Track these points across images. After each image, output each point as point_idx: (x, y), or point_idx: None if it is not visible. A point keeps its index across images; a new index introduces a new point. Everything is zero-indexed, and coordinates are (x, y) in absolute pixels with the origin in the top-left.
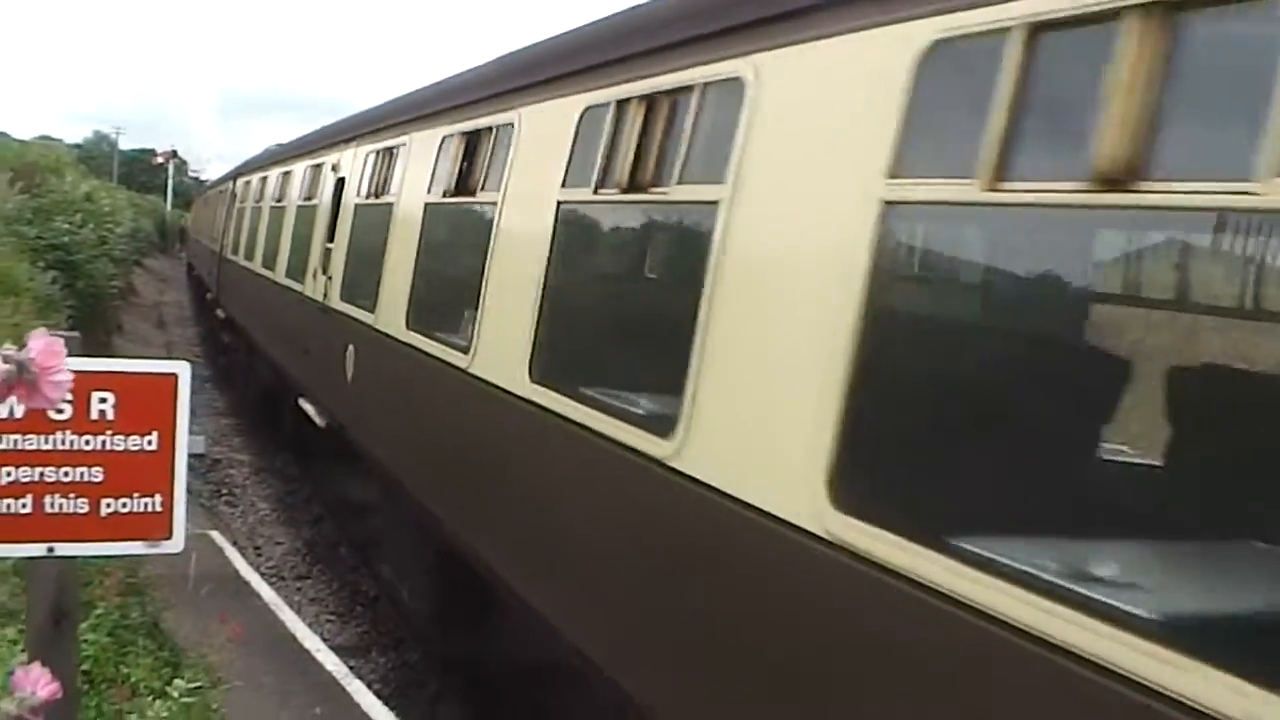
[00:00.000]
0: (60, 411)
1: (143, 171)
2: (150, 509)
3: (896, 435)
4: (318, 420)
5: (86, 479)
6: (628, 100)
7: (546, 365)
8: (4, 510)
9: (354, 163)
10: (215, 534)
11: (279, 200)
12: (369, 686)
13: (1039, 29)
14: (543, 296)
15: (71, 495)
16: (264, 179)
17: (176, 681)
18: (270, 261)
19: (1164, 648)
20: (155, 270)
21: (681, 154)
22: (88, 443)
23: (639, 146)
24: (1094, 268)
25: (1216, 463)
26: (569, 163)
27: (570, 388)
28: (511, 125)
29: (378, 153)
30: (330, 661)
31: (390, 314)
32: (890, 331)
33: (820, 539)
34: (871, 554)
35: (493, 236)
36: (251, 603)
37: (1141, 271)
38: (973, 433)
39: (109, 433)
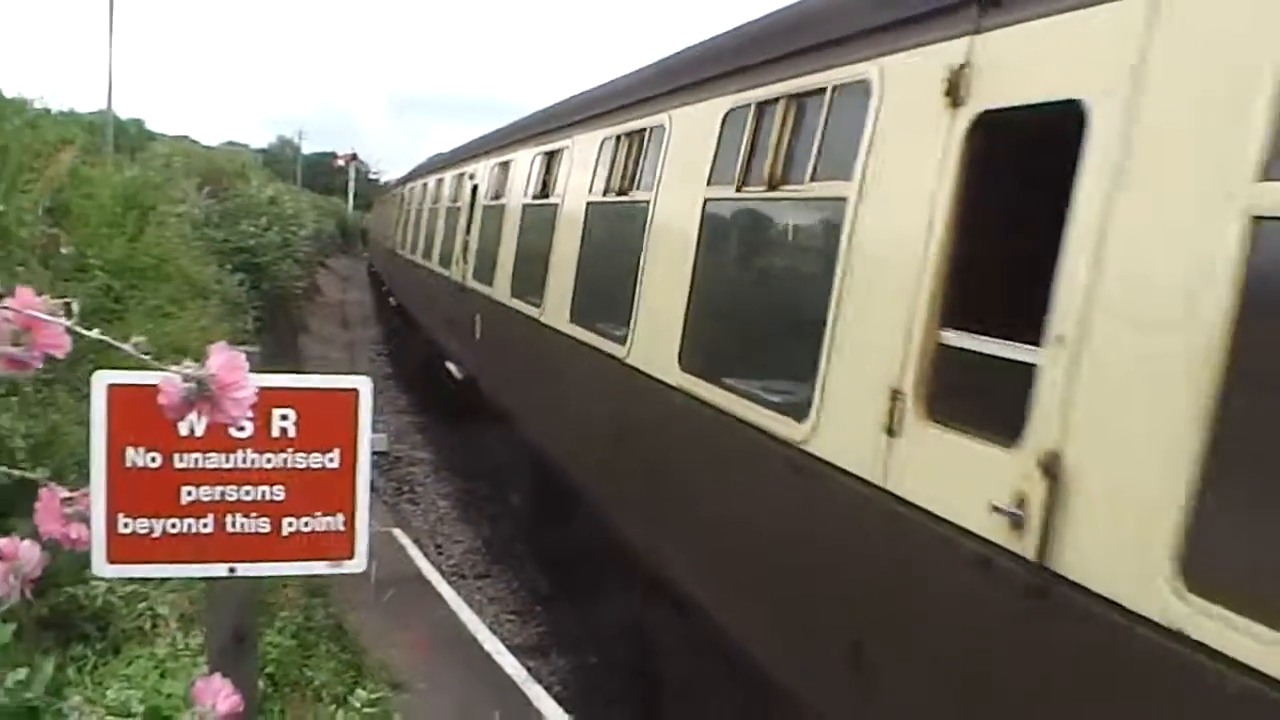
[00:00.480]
0: (241, 429)
1: (324, 174)
2: (332, 528)
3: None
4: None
5: (268, 498)
6: (767, 102)
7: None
8: (186, 530)
9: (521, 164)
10: (398, 531)
11: (439, 202)
12: (549, 690)
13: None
14: (691, 290)
15: (253, 514)
16: (426, 185)
17: (359, 692)
18: (432, 254)
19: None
20: (338, 270)
21: (814, 152)
22: (269, 461)
23: (776, 145)
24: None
25: None
26: (714, 162)
27: (715, 376)
28: (663, 127)
29: (543, 155)
30: (509, 664)
31: (555, 308)
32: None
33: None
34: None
35: (647, 234)
36: (434, 603)
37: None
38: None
39: (290, 450)
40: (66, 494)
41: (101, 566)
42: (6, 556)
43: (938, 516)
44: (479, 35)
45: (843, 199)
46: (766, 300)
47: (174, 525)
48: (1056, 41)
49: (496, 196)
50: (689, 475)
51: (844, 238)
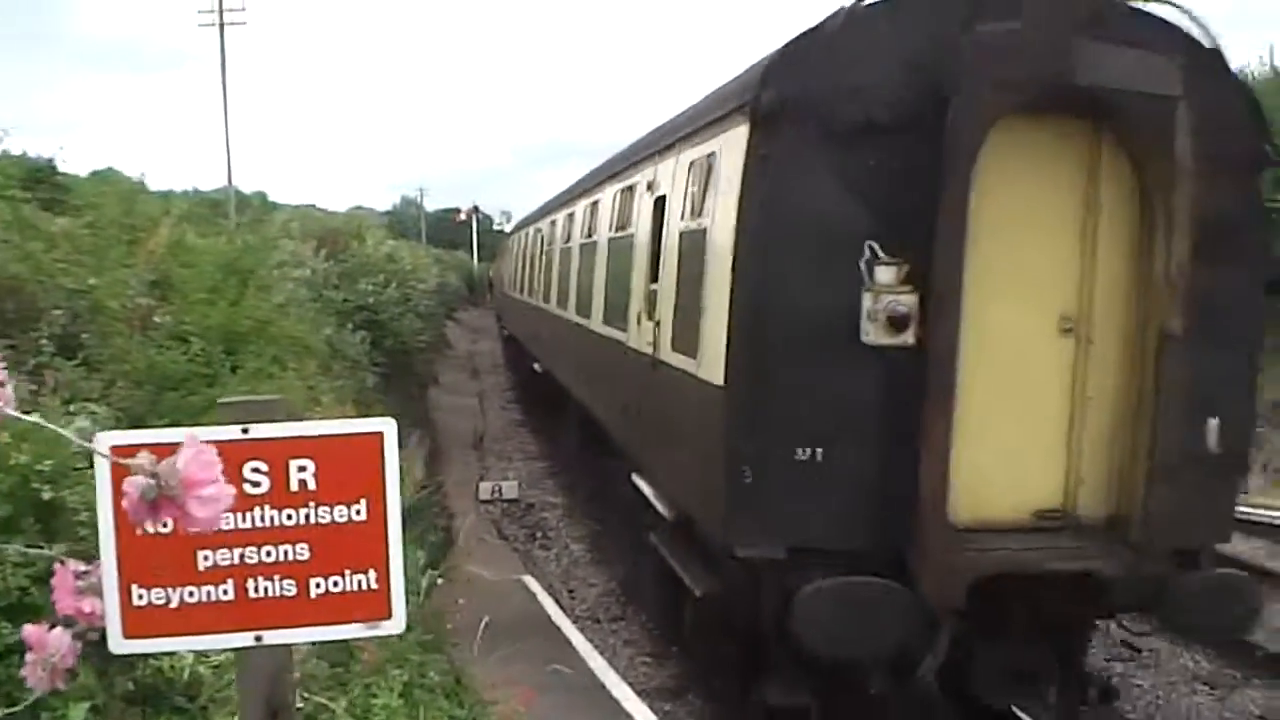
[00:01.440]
0: (257, 485)
1: (448, 229)
2: (365, 587)
3: None
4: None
5: (292, 558)
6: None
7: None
8: (205, 598)
9: (547, 225)
10: (529, 579)
11: (528, 250)
12: None
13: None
14: (606, 276)
15: (276, 577)
16: (519, 237)
17: None
18: (522, 288)
19: None
20: (466, 322)
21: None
22: (289, 517)
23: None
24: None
25: None
26: (611, 213)
27: (608, 321)
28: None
29: (564, 215)
30: (639, 710)
31: (574, 309)
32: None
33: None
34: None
35: (596, 255)
36: (563, 649)
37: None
38: None
39: (312, 504)
40: (82, 568)
41: (118, 643)
42: (34, 647)
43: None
44: (598, 86)
45: (631, 234)
46: (621, 281)
47: (192, 594)
48: (666, 172)
49: (550, 242)
50: (598, 366)
51: (634, 249)
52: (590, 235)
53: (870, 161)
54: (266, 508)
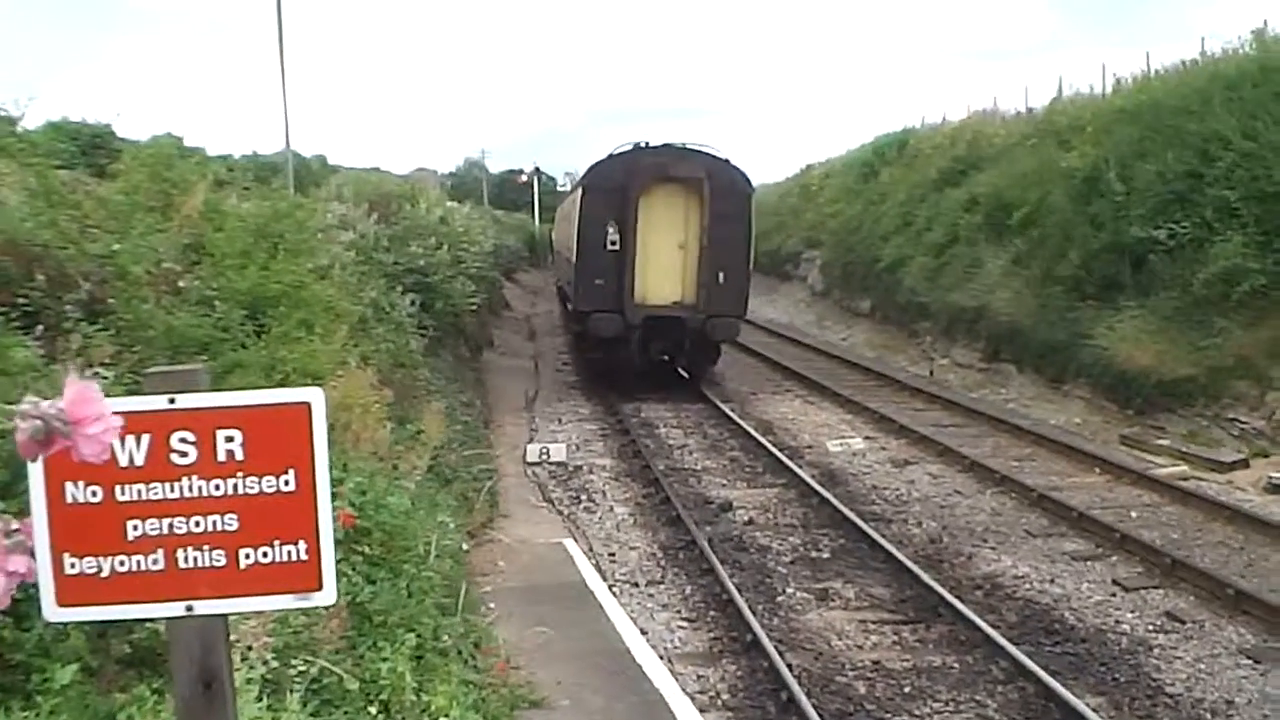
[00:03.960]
0: (185, 455)
1: (511, 191)
2: (294, 558)
3: None
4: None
5: (220, 528)
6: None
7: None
8: (136, 568)
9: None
10: (569, 542)
11: (563, 212)
12: (717, 698)
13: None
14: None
15: (206, 547)
16: (562, 205)
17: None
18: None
19: None
20: (526, 284)
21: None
22: (217, 487)
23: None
24: None
25: None
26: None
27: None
28: (576, 198)
29: (570, 198)
30: (661, 676)
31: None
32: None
33: None
34: None
35: (574, 224)
36: (590, 614)
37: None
38: None
39: (240, 475)
40: (13, 525)
41: (52, 611)
42: None
43: (567, 256)
44: (671, 45)
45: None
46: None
47: (122, 563)
48: (576, 195)
49: (566, 212)
50: (566, 268)
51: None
52: (567, 213)
53: (611, 200)
54: (194, 478)
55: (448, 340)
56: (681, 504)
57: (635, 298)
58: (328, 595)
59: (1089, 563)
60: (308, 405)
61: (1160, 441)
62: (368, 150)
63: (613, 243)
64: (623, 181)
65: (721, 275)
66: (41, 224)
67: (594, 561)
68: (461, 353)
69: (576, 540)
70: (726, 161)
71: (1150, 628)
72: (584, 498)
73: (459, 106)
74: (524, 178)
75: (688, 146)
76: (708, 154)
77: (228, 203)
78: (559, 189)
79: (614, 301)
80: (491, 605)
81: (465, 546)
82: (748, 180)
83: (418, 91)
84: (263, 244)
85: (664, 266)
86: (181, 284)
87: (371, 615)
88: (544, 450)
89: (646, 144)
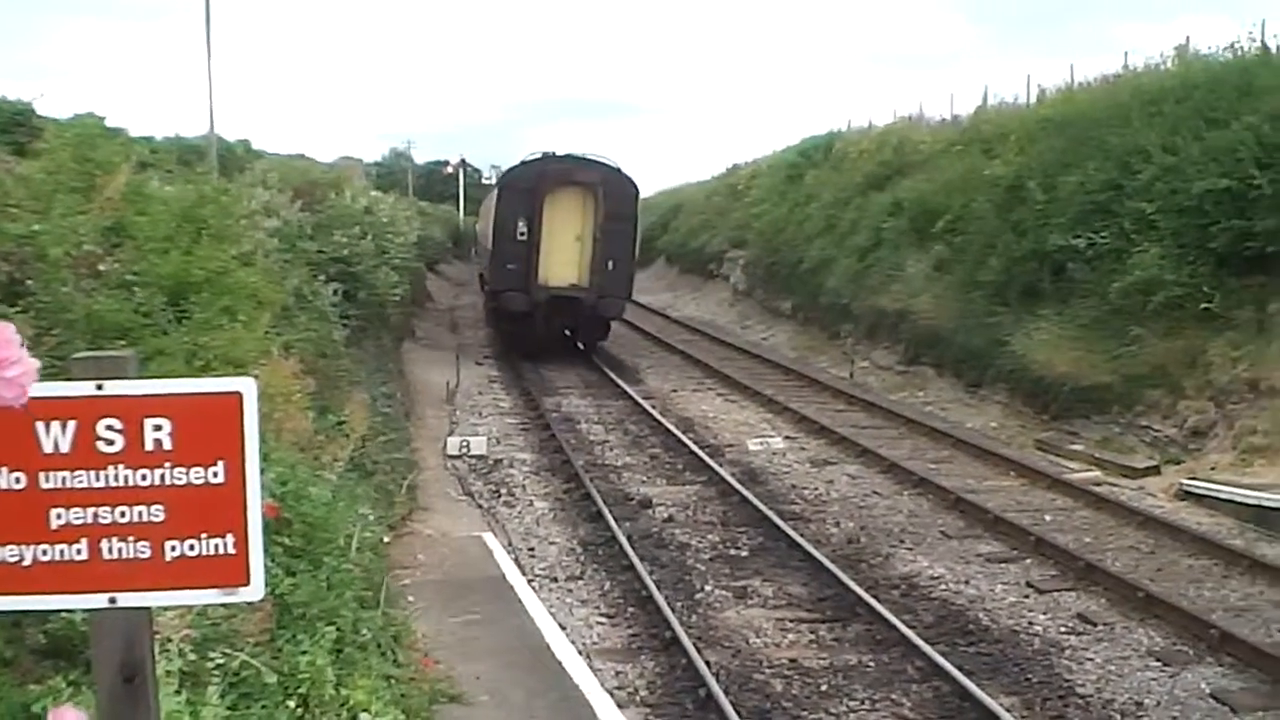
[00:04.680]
0: (111, 444)
1: (439, 182)
2: (221, 551)
3: None
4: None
5: (146, 519)
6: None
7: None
8: (59, 557)
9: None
10: (488, 536)
11: (485, 207)
12: (635, 694)
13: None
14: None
15: (131, 538)
16: (486, 199)
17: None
18: (482, 233)
19: None
20: (450, 276)
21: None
22: (144, 477)
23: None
24: None
25: None
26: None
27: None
28: (491, 196)
29: (492, 193)
30: (580, 671)
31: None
32: None
33: None
34: None
35: (489, 220)
36: (512, 608)
37: None
38: None
39: (168, 465)
40: None
41: None
42: None
43: (484, 244)
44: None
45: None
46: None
47: (45, 552)
48: (492, 196)
49: (485, 208)
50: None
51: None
52: (488, 207)
53: (522, 199)
54: (120, 467)
55: (370, 330)
56: (602, 500)
57: (539, 280)
58: (255, 591)
59: (1004, 565)
60: (239, 395)
61: (1075, 447)
62: (293, 136)
63: (522, 234)
64: (533, 184)
65: (611, 264)
66: None
67: (514, 556)
68: (384, 343)
69: (496, 534)
70: (619, 170)
71: (1063, 629)
72: (504, 491)
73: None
74: (450, 169)
75: (587, 156)
76: (603, 163)
77: (150, 185)
78: (484, 181)
79: (522, 282)
80: (411, 599)
81: (385, 539)
82: (636, 186)
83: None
84: (186, 228)
85: (564, 255)
86: (102, 267)
87: (291, 607)
88: (464, 443)
89: (554, 153)
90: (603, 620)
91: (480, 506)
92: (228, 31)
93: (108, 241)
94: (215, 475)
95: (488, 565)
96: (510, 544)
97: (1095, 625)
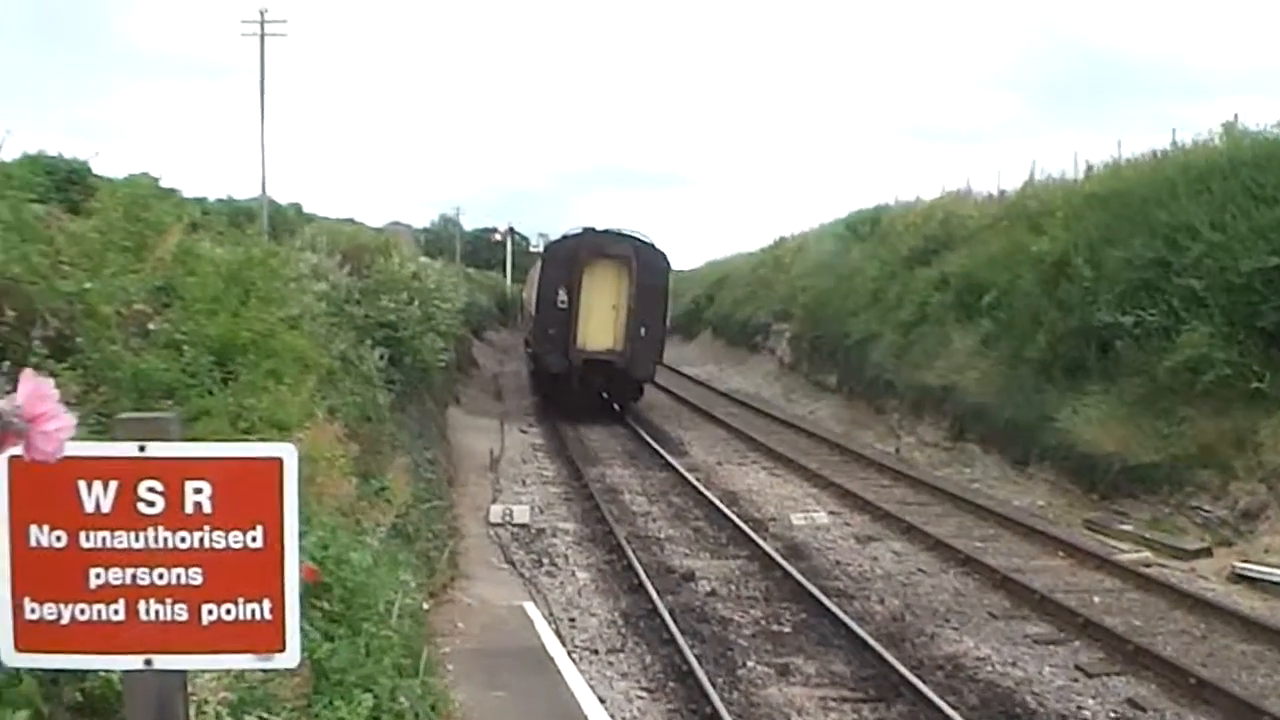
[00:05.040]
0: (152, 505)
1: (485, 249)
2: (258, 616)
3: None
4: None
5: (184, 581)
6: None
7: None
8: (96, 617)
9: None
10: (529, 605)
11: (530, 278)
12: None
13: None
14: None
15: (168, 600)
16: (531, 270)
17: None
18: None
19: None
20: (495, 343)
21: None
22: (183, 540)
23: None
24: None
25: None
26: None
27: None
28: (536, 266)
29: (534, 266)
30: None
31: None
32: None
33: None
34: None
35: (531, 288)
36: (549, 680)
37: None
38: None
39: (207, 528)
40: None
41: (10, 655)
42: None
43: (530, 310)
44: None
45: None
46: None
47: (83, 611)
48: (537, 267)
49: (530, 278)
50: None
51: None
52: (532, 277)
53: (562, 270)
54: (160, 528)
55: (415, 396)
56: (644, 571)
57: (577, 344)
58: (290, 657)
59: (1051, 646)
60: (280, 461)
61: (1124, 527)
62: (344, 201)
63: (563, 302)
64: (572, 256)
65: (643, 330)
66: (12, 258)
67: (554, 626)
68: (428, 409)
69: (537, 604)
70: (651, 244)
71: (1112, 715)
72: (546, 561)
73: (436, 162)
74: (498, 236)
75: (622, 231)
76: (637, 238)
77: (201, 246)
78: (532, 249)
79: (561, 346)
80: (450, 667)
81: (425, 606)
82: (667, 259)
83: (396, 145)
84: (234, 290)
85: (600, 321)
86: (151, 326)
87: (329, 673)
88: (507, 511)
89: (593, 228)
90: (643, 695)
91: (522, 575)
92: (284, 95)
93: (158, 300)
94: (254, 540)
95: (528, 635)
96: (551, 614)
97: (1145, 711)
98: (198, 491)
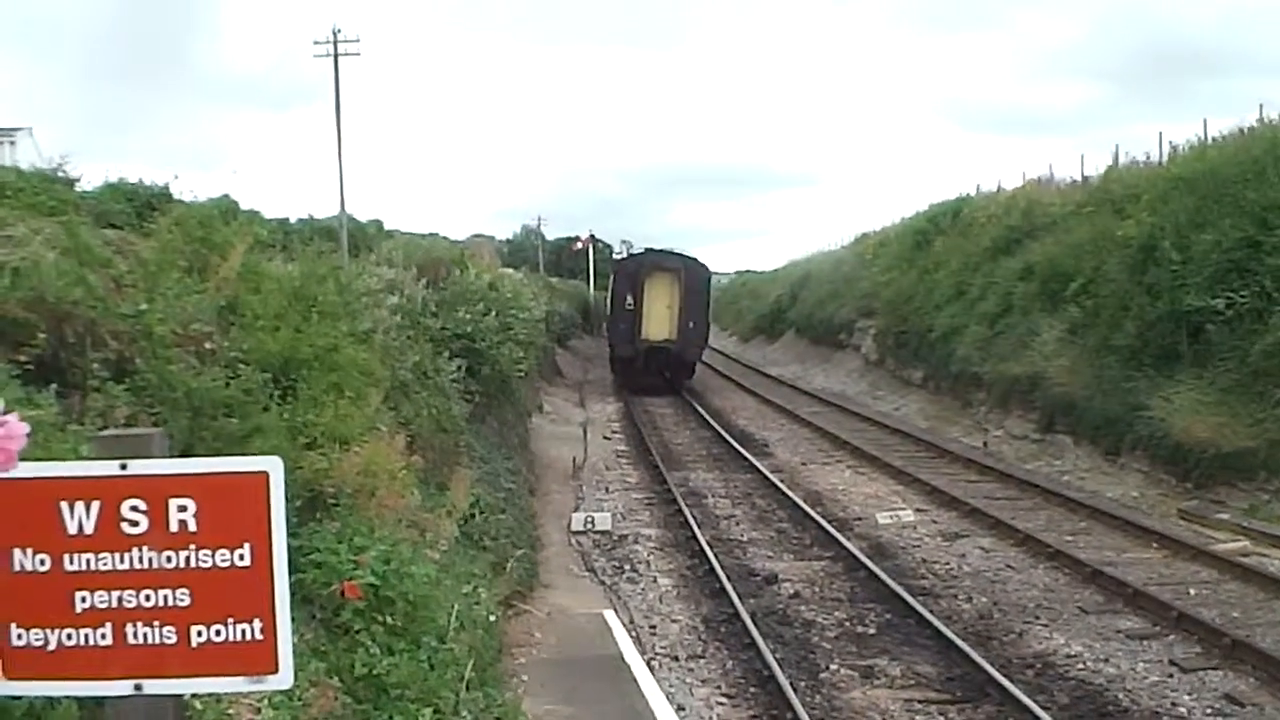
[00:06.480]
0: (135, 525)
1: (568, 258)
2: (248, 637)
3: None
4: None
5: (171, 603)
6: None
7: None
8: (83, 642)
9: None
10: (609, 614)
11: (609, 286)
12: None
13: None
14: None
15: (156, 623)
16: (610, 278)
17: None
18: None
19: None
20: (579, 350)
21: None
22: (169, 560)
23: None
24: None
25: None
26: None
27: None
28: (611, 277)
29: (615, 274)
30: None
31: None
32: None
33: None
34: None
35: (609, 295)
36: (625, 689)
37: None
38: None
39: (193, 547)
40: None
41: (0, 683)
42: None
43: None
44: (725, 113)
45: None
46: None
47: (70, 636)
48: (613, 276)
49: (610, 285)
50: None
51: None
52: (609, 285)
53: (629, 280)
54: (145, 549)
55: (494, 406)
56: (726, 575)
57: (641, 335)
58: (284, 679)
59: (1145, 642)
60: (265, 474)
61: (1220, 516)
62: (428, 216)
63: (630, 305)
64: (636, 269)
65: (691, 324)
66: (70, 282)
67: (634, 634)
68: (508, 418)
69: (617, 611)
70: (695, 259)
71: (1209, 711)
72: (628, 568)
73: (519, 174)
74: (580, 245)
75: (674, 251)
76: (685, 255)
77: (271, 264)
78: (615, 256)
79: (630, 337)
80: (524, 678)
81: (494, 617)
82: (709, 271)
83: (478, 159)
84: (298, 306)
85: (658, 318)
86: (209, 345)
87: (388, 688)
88: (589, 519)
89: (651, 249)
90: (723, 701)
91: (603, 583)
92: (363, 114)
93: (224, 320)
94: (241, 558)
95: (606, 643)
96: (631, 621)
97: (1244, 707)
98: (182, 509)
